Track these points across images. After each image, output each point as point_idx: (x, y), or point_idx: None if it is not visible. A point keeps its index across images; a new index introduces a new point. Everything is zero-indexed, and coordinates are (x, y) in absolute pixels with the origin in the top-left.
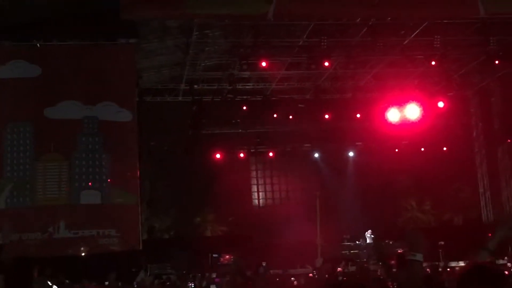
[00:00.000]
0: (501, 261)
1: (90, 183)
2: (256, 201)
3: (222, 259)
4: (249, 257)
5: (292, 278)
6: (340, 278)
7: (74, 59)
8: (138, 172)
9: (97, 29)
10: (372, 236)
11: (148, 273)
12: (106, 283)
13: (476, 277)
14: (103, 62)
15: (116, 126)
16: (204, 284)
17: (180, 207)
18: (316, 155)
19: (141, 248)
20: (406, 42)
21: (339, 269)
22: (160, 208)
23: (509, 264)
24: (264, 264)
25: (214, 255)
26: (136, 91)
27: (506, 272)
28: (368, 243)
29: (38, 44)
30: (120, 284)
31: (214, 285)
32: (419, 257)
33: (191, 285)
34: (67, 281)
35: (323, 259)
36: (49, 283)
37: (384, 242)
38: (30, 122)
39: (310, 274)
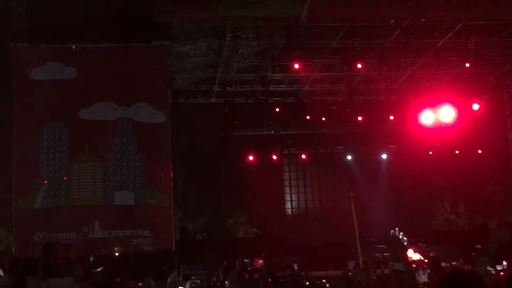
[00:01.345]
0: (498, 267)
1: (124, 184)
2: (289, 203)
3: (253, 263)
4: (281, 258)
5: (323, 280)
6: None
7: (109, 61)
8: (172, 174)
9: (131, 32)
10: (404, 238)
11: (181, 274)
12: (140, 284)
13: (455, 281)
14: (137, 64)
15: (150, 127)
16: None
17: (213, 208)
18: (349, 157)
19: (174, 248)
20: (440, 44)
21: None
22: (193, 209)
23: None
24: (296, 266)
25: (245, 260)
26: (169, 93)
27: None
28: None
29: (73, 46)
30: (153, 284)
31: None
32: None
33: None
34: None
35: (356, 262)
36: None
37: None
38: (66, 123)
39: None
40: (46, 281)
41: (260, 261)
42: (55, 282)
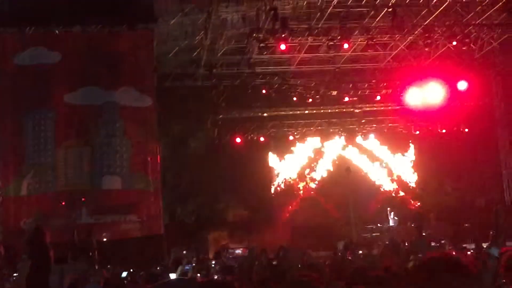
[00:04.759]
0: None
1: (111, 169)
2: (277, 184)
3: (238, 251)
4: (272, 240)
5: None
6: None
7: (94, 45)
8: (159, 157)
9: (116, 15)
10: (395, 218)
11: (171, 259)
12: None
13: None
14: (122, 47)
15: (136, 111)
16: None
17: (203, 191)
18: (337, 137)
19: (162, 233)
20: (426, 22)
21: (360, 252)
22: (182, 193)
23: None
24: (284, 248)
25: (230, 250)
26: (155, 76)
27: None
28: (392, 225)
29: (57, 31)
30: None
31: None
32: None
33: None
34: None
35: (345, 242)
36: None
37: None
38: (51, 108)
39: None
40: (59, 267)
41: (242, 248)
42: (68, 267)
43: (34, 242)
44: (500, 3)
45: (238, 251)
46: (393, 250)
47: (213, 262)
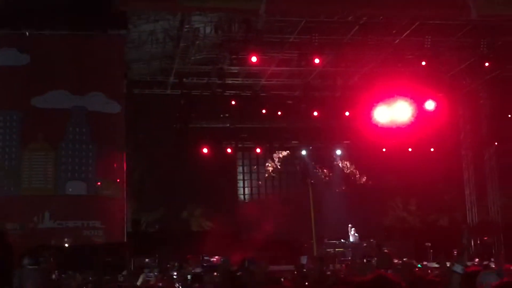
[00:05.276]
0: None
1: (76, 174)
2: (242, 197)
3: (210, 259)
4: (234, 252)
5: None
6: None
7: (64, 48)
8: (125, 164)
9: (87, 20)
10: (356, 234)
11: (132, 267)
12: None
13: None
14: (93, 52)
15: (104, 117)
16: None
17: (168, 200)
18: (304, 152)
19: (125, 240)
20: (397, 41)
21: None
22: (147, 201)
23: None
24: (249, 259)
25: (205, 257)
26: (124, 83)
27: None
28: (353, 241)
29: (27, 33)
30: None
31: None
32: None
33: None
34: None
35: (308, 256)
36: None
37: (369, 241)
38: (17, 110)
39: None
40: (18, 271)
41: (216, 257)
42: (27, 272)
43: None
44: (468, 27)
45: (213, 259)
46: (360, 265)
47: (175, 273)
